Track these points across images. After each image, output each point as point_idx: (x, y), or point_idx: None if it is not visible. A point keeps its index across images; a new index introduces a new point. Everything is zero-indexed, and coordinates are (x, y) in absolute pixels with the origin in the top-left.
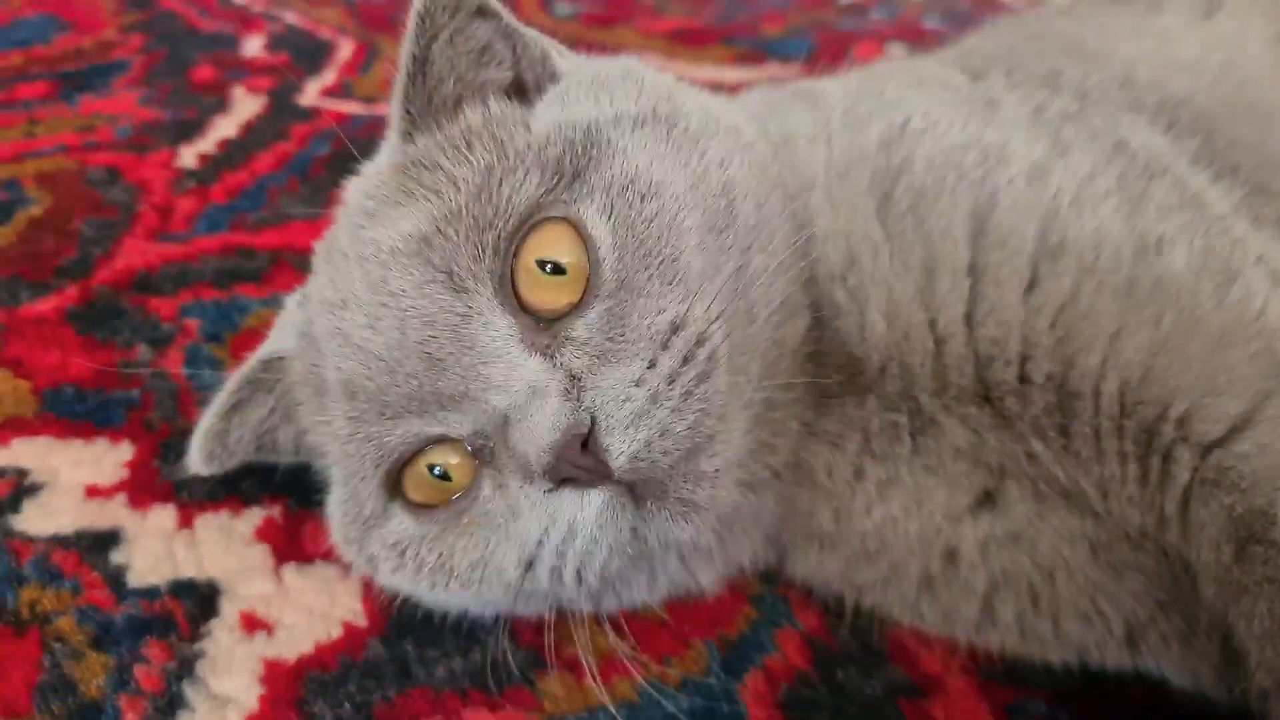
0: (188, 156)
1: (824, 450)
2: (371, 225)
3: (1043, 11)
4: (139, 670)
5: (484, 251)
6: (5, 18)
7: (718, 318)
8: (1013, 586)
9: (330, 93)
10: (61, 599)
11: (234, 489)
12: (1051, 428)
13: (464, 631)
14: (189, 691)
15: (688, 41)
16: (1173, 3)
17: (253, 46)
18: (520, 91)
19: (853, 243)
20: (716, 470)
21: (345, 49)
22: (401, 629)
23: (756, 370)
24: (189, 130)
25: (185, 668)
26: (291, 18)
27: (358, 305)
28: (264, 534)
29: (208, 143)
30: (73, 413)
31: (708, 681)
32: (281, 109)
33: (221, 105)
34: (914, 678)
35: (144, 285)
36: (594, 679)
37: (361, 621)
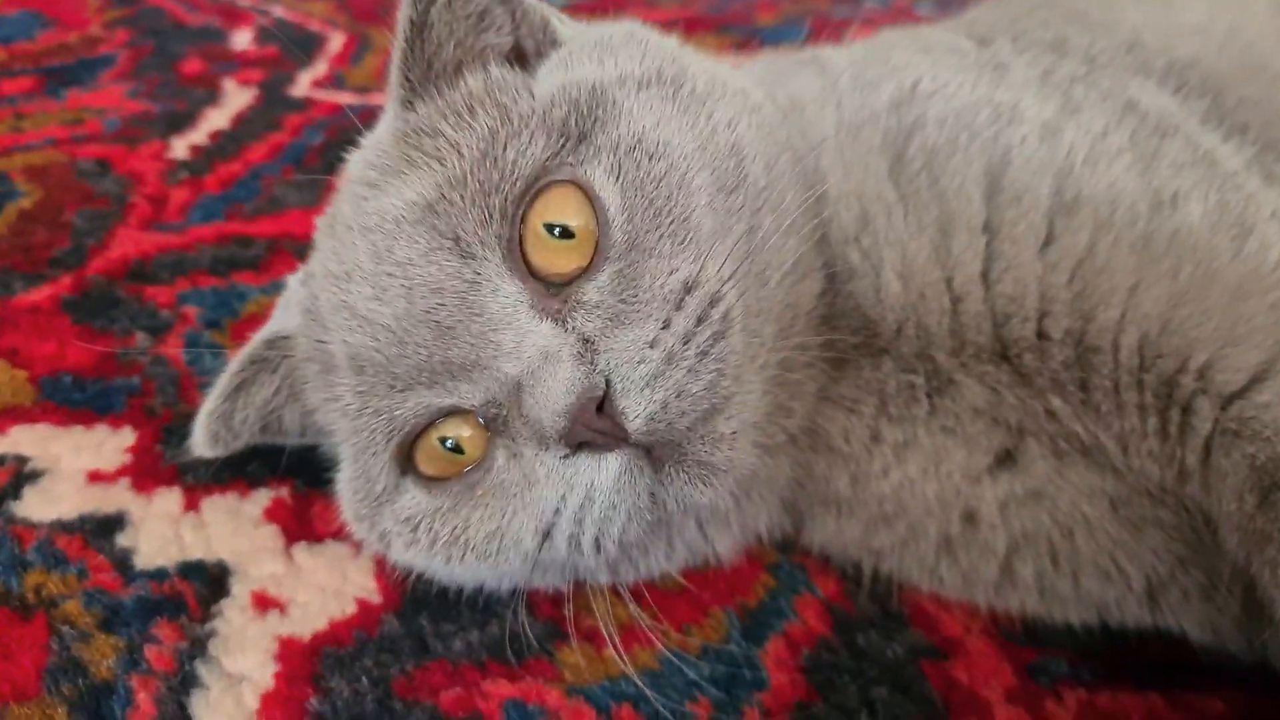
0: (179, 148)
1: (840, 415)
2: (374, 195)
3: None
4: (150, 651)
5: (491, 216)
6: None
7: (730, 277)
8: (1032, 546)
9: (322, 84)
10: (67, 583)
11: (241, 471)
12: (1071, 383)
13: (480, 605)
14: (202, 670)
15: (682, 30)
16: None
17: (241, 40)
18: (521, 59)
19: (866, 203)
20: (734, 432)
21: (336, 41)
22: (417, 604)
23: (771, 331)
24: (180, 122)
25: (197, 647)
26: (280, 11)
27: (363, 276)
28: (273, 515)
29: (199, 134)
30: (71, 400)
31: (729, 649)
32: (273, 100)
33: (212, 97)
34: (935, 641)
35: (139, 274)
36: (615, 648)
37: (376, 598)
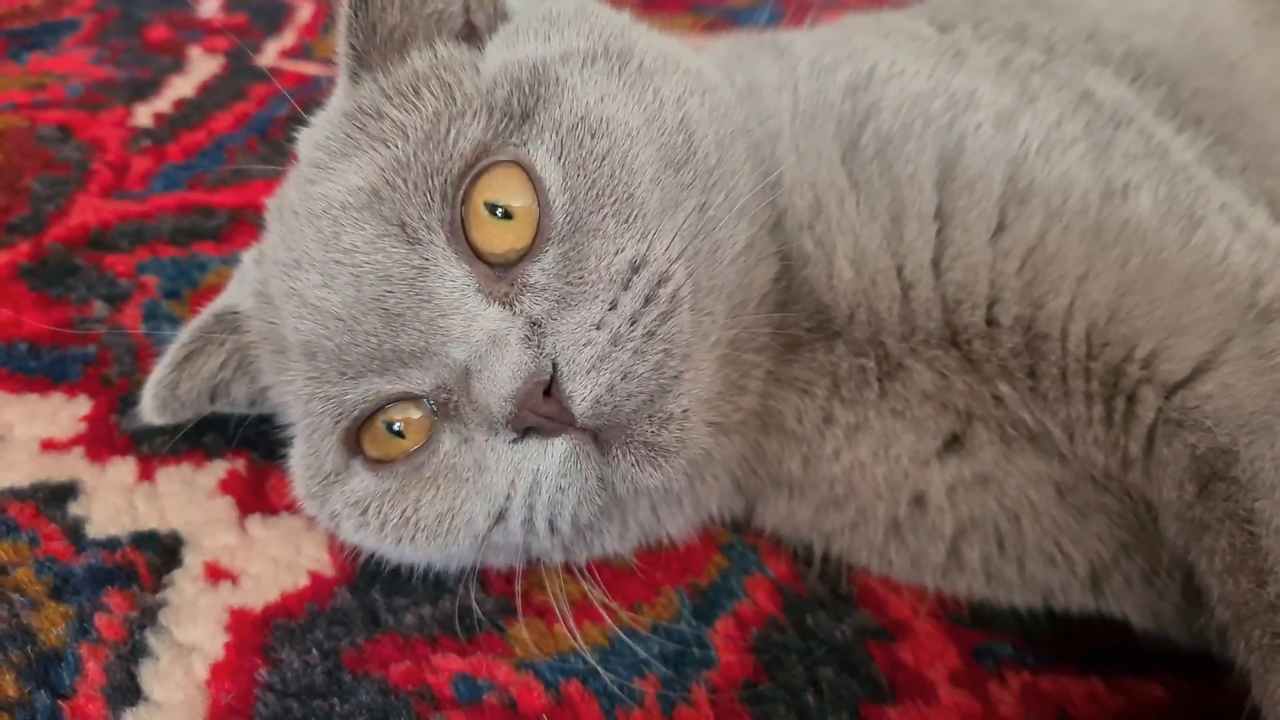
0: (143, 115)
1: (793, 397)
2: (321, 179)
3: None
4: (100, 619)
5: (433, 199)
6: None
7: (679, 256)
8: (979, 530)
9: (290, 54)
10: (19, 551)
11: (197, 442)
12: (1018, 370)
13: (432, 580)
14: (152, 640)
15: (656, 8)
16: None
17: (209, 7)
18: (474, 35)
19: (819, 191)
20: (684, 410)
21: (304, 10)
22: (369, 578)
23: (722, 310)
24: (144, 89)
25: (148, 617)
26: None
27: (311, 264)
28: (228, 486)
29: (164, 102)
30: (27, 368)
31: (679, 627)
32: (240, 69)
33: (178, 65)
34: (883, 622)
35: (99, 242)
36: (567, 625)
37: (329, 571)
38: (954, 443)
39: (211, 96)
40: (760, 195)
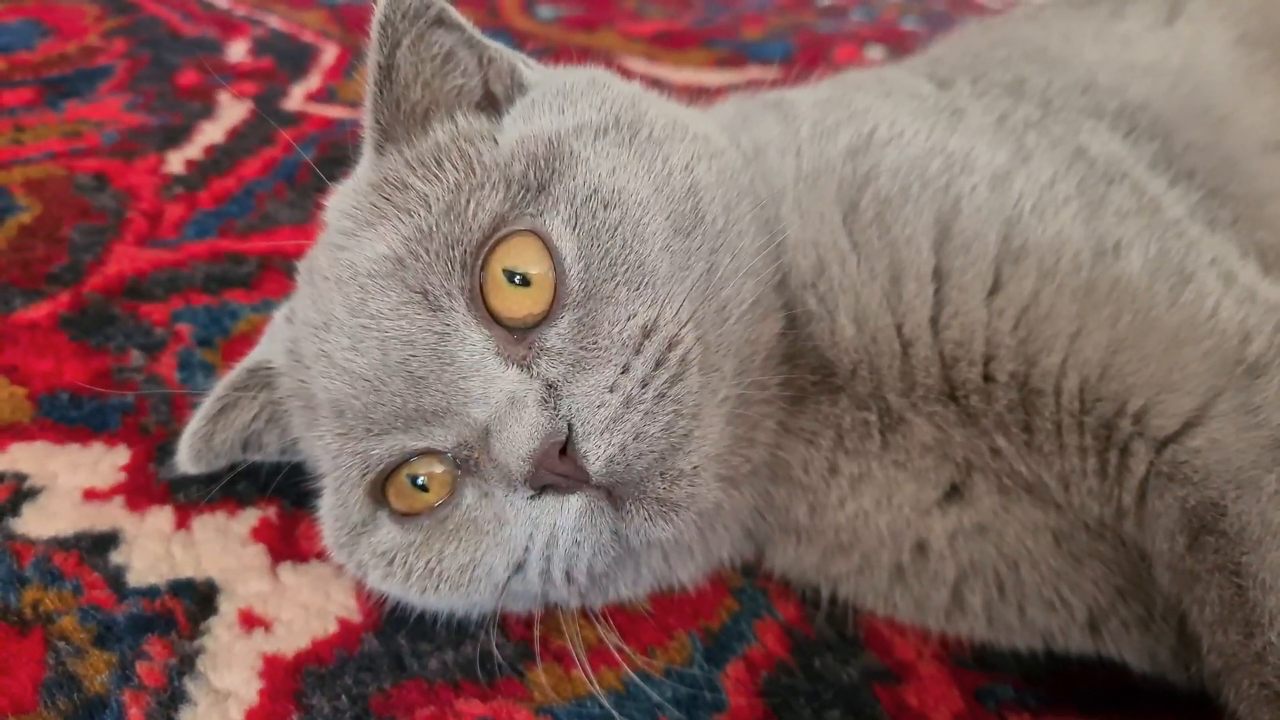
0: (175, 162)
1: (800, 447)
2: (348, 247)
3: (1011, 16)
4: (141, 667)
5: (453, 268)
6: None
7: (689, 320)
8: (980, 576)
9: (315, 97)
10: (63, 599)
11: (230, 491)
12: (1015, 424)
13: (455, 626)
14: (190, 686)
15: (669, 44)
16: (1135, 8)
17: (237, 51)
18: (492, 104)
19: (822, 251)
20: (695, 467)
21: (329, 53)
22: (395, 624)
23: (731, 368)
24: (176, 136)
25: (186, 664)
26: (274, 22)
27: (340, 328)
28: (260, 534)
29: (195, 148)
30: (68, 418)
31: (691, 671)
32: (267, 114)
33: (208, 111)
34: (888, 664)
35: (135, 291)
36: (583, 669)
37: (356, 617)
38: (954, 493)
39: (240, 142)
40: (766, 256)
